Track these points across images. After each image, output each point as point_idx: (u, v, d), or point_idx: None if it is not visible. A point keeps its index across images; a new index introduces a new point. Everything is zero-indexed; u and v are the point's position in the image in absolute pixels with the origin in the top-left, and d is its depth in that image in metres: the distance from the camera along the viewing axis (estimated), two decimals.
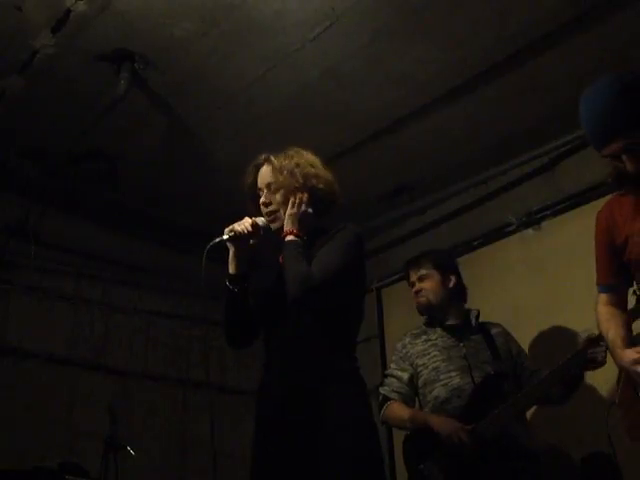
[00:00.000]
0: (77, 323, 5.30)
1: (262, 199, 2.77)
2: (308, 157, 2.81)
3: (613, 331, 2.62)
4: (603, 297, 2.76)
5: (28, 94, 4.22)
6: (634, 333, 2.66)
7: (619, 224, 2.62)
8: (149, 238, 5.67)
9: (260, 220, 2.75)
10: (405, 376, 3.89)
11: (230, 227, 2.72)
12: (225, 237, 2.71)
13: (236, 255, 2.75)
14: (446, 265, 3.99)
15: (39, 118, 4.47)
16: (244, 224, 2.71)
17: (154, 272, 5.68)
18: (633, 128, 2.37)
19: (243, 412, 5.52)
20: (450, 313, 3.90)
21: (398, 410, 3.79)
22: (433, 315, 3.94)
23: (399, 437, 3.89)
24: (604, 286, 2.75)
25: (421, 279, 3.95)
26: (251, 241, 2.75)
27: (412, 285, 3.99)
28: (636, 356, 2.41)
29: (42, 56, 3.95)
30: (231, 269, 2.76)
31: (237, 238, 2.70)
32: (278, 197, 2.74)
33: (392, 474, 4.58)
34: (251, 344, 2.89)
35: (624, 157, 2.43)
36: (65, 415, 4.96)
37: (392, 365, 4.01)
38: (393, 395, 3.85)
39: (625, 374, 2.53)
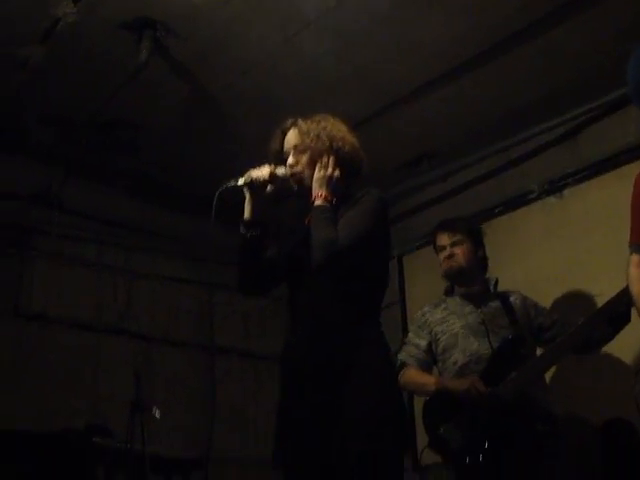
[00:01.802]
0: (100, 289, 5.37)
1: (289, 161, 2.76)
2: (335, 121, 2.81)
3: None
4: (636, 258, 2.72)
5: (50, 63, 4.24)
6: None
7: None
8: (171, 206, 5.72)
9: (280, 170, 2.74)
10: (423, 343, 3.92)
11: (248, 173, 2.73)
12: (240, 182, 2.72)
13: (251, 201, 2.76)
14: (477, 234, 3.99)
15: (61, 87, 4.49)
16: (262, 171, 2.72)
17: (176, 239, 5.73)
18: None
19: (267, 377, 5.59)
20: (473, 282, 3.91)
21: (415, 376, 3.82)
22: (460, 282, 3.93)
23: (419, 402, 3.93)
24: (637, 245, 2.73)
25: (455, 244, 3.90)
26: (268, 188, 2.74)
27: (442, 249, 3.93)
28: None
29: (64, 25, 3.95)
30: (245, 215, 2.77)
31: (253, 184, 2.71)
32: (304, 159, 2.73)
33: (413, 438, 4.61)
34: (263, 293, 2.91)
35: None
36: (90, 379, 5.05)
37: (410, 334, 4.04)
38: (410, 361, 3.88)
39: None
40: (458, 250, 3.89)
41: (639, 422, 3.09)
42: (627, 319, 3.39)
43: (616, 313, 3.40)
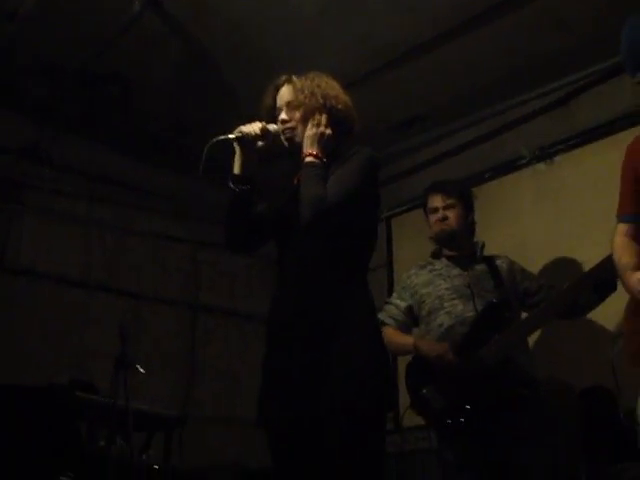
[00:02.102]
0: (89, 245, 5.36)
1: (281, 116, 2.75)
2: (329, 80, 2.79)
3: (626, 258, 2.63)
4: (622, 228, 2.75)
5: (41, 13, 4.18)
6: None
7: None
8: (161, 162, 5.68)
9: (271, 126, 2.73)
10: (403, 305, 3.94)
11: (239, 128, 2.71)
12: (231, 136, 2.70)
13: (241, 156, 2.75)
14: (469, 198, 3.98)
15: (52, 38, 4.44)
16: (253, 126, 2.70)
17: (166, 196, 5.70)
18: None
19: (252, 337, 5.61)
20: (462, 245, 3.91)
21: (393, 335, 3.85)
22: (450, 245, 3.92)
23: (402, 363, 3.96)
24: (625, 215, 2.74)
25: (447, 207, 3.89)
26: (259, 144, 2.73)
27: (435, 211, 3.91)
28: None
29: None
30: (235, 169, 2.76)
31: (243, 139, 2.70)
32: (297, 115, 2.71)
33: (395, 399, 4.65)
34: (251, 251, 2.90)
35: None
36: (77, 335, 5.06)
37: (394, 294, 4.06)
38: (389, 321, 3.91)
39: (633, 302, 2.54)
40: (451, 213, 3.88)
41: (616, 387, 3.12)
42: (613, 287, 3.41)
43: (601, 280, 3.42)
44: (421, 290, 3.89)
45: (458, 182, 4.15)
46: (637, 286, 2.44)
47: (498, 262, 3.89)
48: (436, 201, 3.93)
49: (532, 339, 4.23)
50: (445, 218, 3.88)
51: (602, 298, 3.58)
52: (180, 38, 4.42)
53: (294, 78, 2.79)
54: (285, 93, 2.78)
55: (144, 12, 4.06)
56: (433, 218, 3.92)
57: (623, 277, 2.61)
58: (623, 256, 2.65)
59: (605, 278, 3.40)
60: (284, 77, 2.82)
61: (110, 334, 4.36)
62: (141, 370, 3.85)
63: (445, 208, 3.90)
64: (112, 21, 4.16)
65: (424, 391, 3.59)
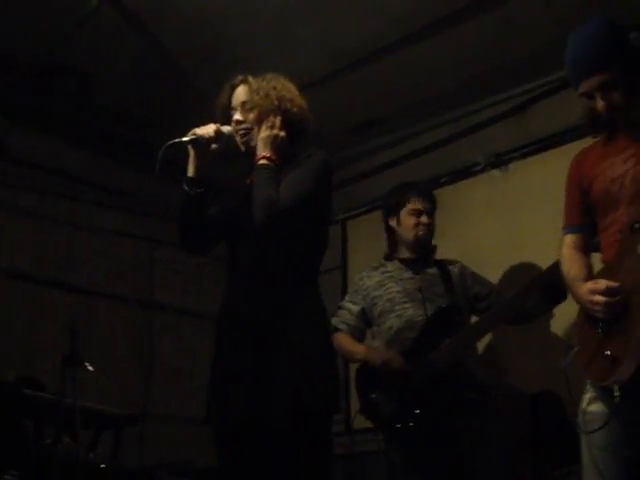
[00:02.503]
0: (41, 240, 5.27)
1: (235, 117, 2.76)
2: (285, 82, 2.81)
3: (574, 270, 2.66)
4: (568, 239, 2.79)
5: None
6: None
7: (588, 166, 2.69)
8: (117, 158, 5.60)
9: (225, 128, 2.75)
10: (356, 309, 3.95)
11: (193, 130, 2.72)
12: (185, 139, 2.71)
13: (195, 159, 2.75)
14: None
15: (6, 28, 4.34)
16: (207, 129, 2.72)
17: (121, 192, 5.63)
18: (611, 66, 2.48)
19: (205, 335, 5.57)
20: (422, 250, 3.95)
21: (345, 342, 3.87)
22: (418, 249, 3.93)
23: (354, 366, 3.97)
24: (570, 227, 2.79)
25: (430, 212, 3.93)
26: (212, 147, 2.74)
27: (419, 213, 3.90)
28: (592, 286, 2.47)
29: None
30: (189, 172, 2.76)
31: (197, 141, 2.70)
32: (251, 116, 2.72)
33: (346, 402, 4.67)
34: (205, 252, 2.94)
35: (597, 95, 2.53)
36: (26, 331, 4.98)
37: (346, 297, 4.08)
38: (341, 326, 3.92)
39: (583, 311, 2.58)
40: (431, 219, 3.93)
41: (567, 394, 3.15)
42: (563, 297, 3.46)
43: (549, 286, 3.48)
44: (373, 292, 3.91)
45: (428, 185, 4.18)
46: (586, 297, 2.48)
47: (450, 266, 3.93)
48: (421, 204, 3.93)
49: (485, 345, 4.29)
50: (430, 223, 3.91)
51: (551, 306, 3.64)
52: (138, 33, 4.37)
53: (250, 78, 2.80)
54: (241, 93, 2.78)
55: (102, 6, 4.02)
56: (415, 220, 3.91)
57: (572, 288, 2.65)
58: (572, 268, 2.69)
59: (553, 284, 3.45)
60: (240, 77, 2.83)
61: (60, 330, 4.33)
62: (90, 368, 3.81)
63: (428, 213, 3.92)
64: (70, 14, 4.10)
65: (373, 396, 3.62)
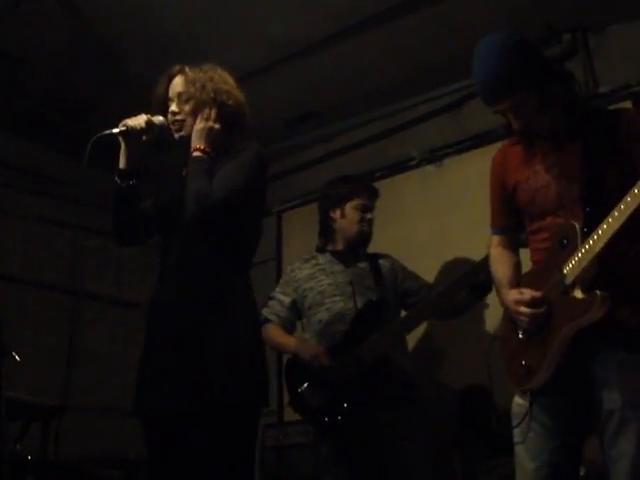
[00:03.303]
0: None
1: (171, 108, 2.74)
2: (222, 74, 2.80)
3: (501, 272, 2.72)
4: (496, 239, 2.85)
5: None
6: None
7: (510, 170, 2.72)
8: (50, 145, 5.49)
9: (157, 119, 2.72)
10: (287, 300, 3.95)
11: (123, 121, 2.68)
12: (116, 130, 2.66)
13: (126, 150, 2.71)
14: None
15: None
16: (138, 120, 2.68)
17: (53, 180, 5.52)
18: (522, 88, 2.48)
19: (136, 325, 5.50)
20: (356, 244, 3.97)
21: (275, 334, 3.87)
22: (357, 244, 3.95)
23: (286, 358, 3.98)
24: (497, 228, 2.84)
25: (372, 209, 3.97)
26: (144, 138, 2.71)
27: (367, 210, 3.93)
28: (517, 297, 2.52)
29: None
30: (120, 164, 2.73)
31: (128, 133, 2.67)
32: (187, 107, 2.71)
33: (279, 396, 4.67)
34: (138, 244, 2.90)
35: (510, 116, 2.56)
36: None
37: (277, 289, 4.05)
38: (272, 317, 3.91)
39: (507, 312, 2.64)
40: (373, 215, 3.96)
41: (491, 387, 3.22)
42: (488, 289, 3.54)
43: (477, 281, 3.55)
44: (304, 285, 3.91)
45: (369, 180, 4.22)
46: (512, 306, 2.53)
47: (381, 261, 3.95)
48: (367, 200, 3.96)
49: (414, 340, 4.33)
50: (372, 220, 3.94)
51: (478, 298, 3.71)
52: (73, 18, 4.29)
53: (187, 69, 2.78)
54: (177, 84, 2.77)
55: None
56: (359, 216, 3.92)
57: (499, 292, 2.70)
58: (499, 269, 2.74)
59: (480, 280, 3.53)
60: (177, 67, 2.81)
61: None
62: (17, 358, 3.73)
63: (371, 209, 3.94)
64: None
65: (300, 389, 3.63)
